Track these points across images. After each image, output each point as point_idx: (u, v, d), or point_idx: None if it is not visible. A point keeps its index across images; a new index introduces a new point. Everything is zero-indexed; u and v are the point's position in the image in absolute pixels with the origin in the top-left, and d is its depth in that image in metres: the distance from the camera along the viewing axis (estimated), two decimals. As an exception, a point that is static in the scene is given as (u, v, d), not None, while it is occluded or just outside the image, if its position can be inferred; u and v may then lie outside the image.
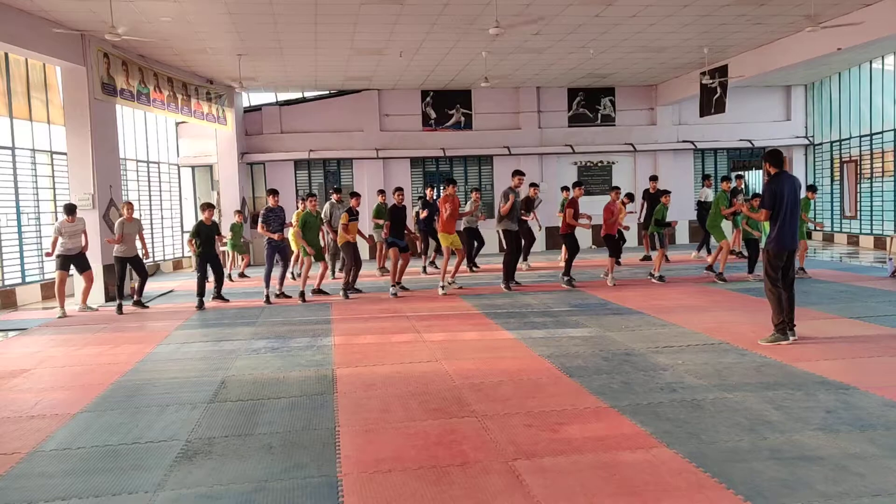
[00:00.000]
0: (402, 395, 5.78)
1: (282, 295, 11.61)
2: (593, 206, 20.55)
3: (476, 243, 14.74)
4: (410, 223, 14.61)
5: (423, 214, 14.27)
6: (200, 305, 10.93)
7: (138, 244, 11.30)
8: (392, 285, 11.48)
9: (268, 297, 11.13)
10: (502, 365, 6.70)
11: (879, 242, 16.89)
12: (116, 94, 13.06)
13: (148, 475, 4.26)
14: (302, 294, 11.30)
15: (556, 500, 3.71)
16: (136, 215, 11.75)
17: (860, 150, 18.19)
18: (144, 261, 11.69)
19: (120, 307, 10.87)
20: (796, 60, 14.33)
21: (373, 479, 4.08)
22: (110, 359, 7.70)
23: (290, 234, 12.57)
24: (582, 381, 5.99)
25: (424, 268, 14.87)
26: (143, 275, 11.38)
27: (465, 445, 4.57)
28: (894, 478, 3.82)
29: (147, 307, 11.35)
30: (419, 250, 15.25)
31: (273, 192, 11.39)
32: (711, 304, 9.65)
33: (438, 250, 14.68)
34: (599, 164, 20.58)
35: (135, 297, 11.43)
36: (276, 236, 11.10)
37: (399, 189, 11.90)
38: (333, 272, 13.70)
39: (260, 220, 11.16)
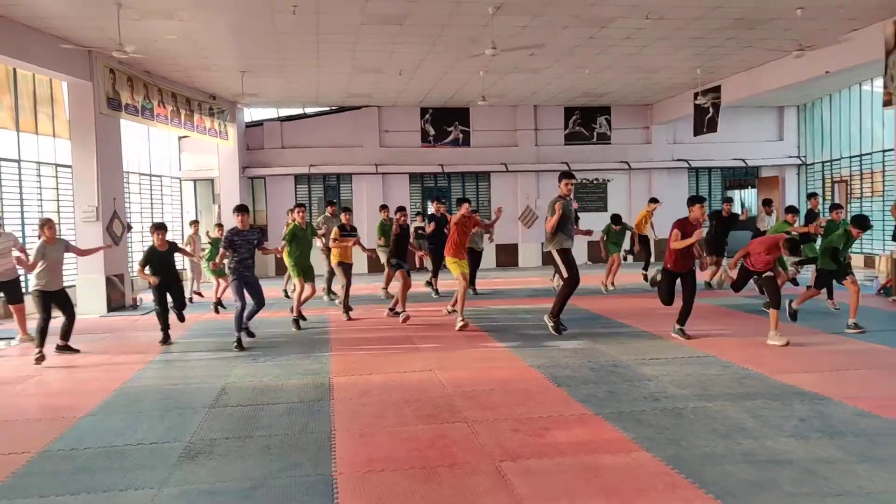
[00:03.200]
0: (396, 402, 6.00)
1: (246, 331, 9.11)
2: (588, 223, 20.91)
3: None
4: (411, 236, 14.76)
5: (430, 229, 13.29)
6: (166, 340, 9.09)
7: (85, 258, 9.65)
8: (400, 311, 10.42)
9: (238, 340, 8.63)
10: (494, 374, 6.93)
11: (869, 261, 17.16)
12: (121, 109, 13.35)
13: (152, 473, 4.48)
14: (296, 321, 10.10)
15: (539, 498, 3.93)
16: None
17: (850, 171, 18.51)
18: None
19: (40, 357, 8.04)
20: (786, 83, 14.68)
21: (366, 477, 4.31)
22: (112, 367, 7.91)
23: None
24: (569, 390, 6.22)
25: (431, 285, 13.82)
26: (70, 314, 8.64)
27: (455, 448, 4.80)
28: (858, 481, 4.05)
29: (77, 351, 8.69)
30: (424, 265, 14.05)
31: (242, 210, 8.79)
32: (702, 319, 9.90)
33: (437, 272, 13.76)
34: (595, 182, 20.87)
35: (60, 341, 8.65)
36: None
37: (401, 209, 11.37)
38: (329, 291, 12.93)
39: (222, 245, 8.76)
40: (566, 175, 9.15)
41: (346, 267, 11.24)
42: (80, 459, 4.81)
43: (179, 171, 19.35)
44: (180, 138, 18.97)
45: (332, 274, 12.53)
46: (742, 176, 21.41)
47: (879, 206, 17.14)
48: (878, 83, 16.93)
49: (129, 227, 13.94)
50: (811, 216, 12.43)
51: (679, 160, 20.80)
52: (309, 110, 20.24)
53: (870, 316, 9.64)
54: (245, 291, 8.76)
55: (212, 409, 5.98)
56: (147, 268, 9.03)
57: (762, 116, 21.00)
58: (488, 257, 18.19)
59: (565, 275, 8.80)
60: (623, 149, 20.77)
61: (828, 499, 3.82)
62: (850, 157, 18.49)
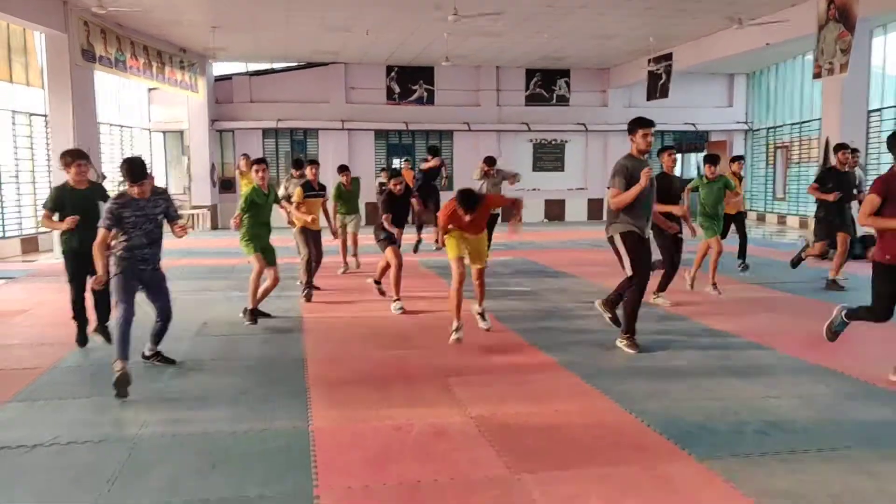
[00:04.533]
0: (360, 334, 6.88)
1: (156, 356, 5.87)
2: (546, 182, 21.88)
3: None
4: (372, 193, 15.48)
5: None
6: (82, 341, 6.36)
7: None
8: (395, 300, 7.97)
9: (120, 379, 4.96)
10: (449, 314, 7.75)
11: (803, 223, 18.42)
12: (95, 61, 13.76)
13: (151, 384, 5.30)
14: (250, 312, 7.33)
15: (476, 401, 4.84)
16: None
17: (791, 137, 19.67)
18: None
19: None
20: (731, 53, 15.64)
21: (333, 388, 5.18)
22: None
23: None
24: (513, 325, 7.15)
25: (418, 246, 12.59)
26: None
27: (409, 367, 5.70)
28: (733, 390, 5.04)
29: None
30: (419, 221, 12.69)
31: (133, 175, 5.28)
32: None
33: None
34: (553, 143, 21.76)
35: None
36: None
37: (395, 174, 8.66)
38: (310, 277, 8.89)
39: (102, 222, 5.25)
40: (643, 123, 5.90)
41: (312, 235, 8.88)
42: (87, 373, 5.61)
43: (149, 123, 19.71)
44: (150, 90, 19.29)
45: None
46: (692, 139, 22.46)
47: (815, 171, 18.33)
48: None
49: (104, 177, 14.43)
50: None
51: (634, 123, 21.72)
52: (277, 65, 20.65)
53: (787, 270, 10.69)
54: (144, 295, 5.56)
55: (196, 337, 6.79)
56: (56, 214, 6.13)
57: (713, 83, 21.98)
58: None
59: (629, 270, 6.05)
60: (581, 111, 21.63)
61: (705, 402, 4.80)
62: (792, 125, 19.64)
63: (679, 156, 17.23)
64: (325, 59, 19.93)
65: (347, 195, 10.62)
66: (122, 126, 17.96)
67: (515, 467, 3.75)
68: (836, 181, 9.08)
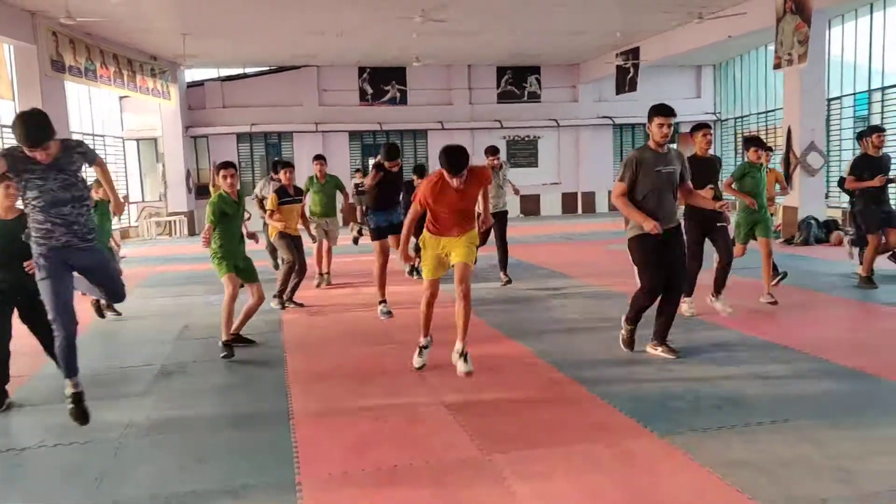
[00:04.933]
0: (338, 331, 7.07)
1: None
2: (520, 178, 22.00)
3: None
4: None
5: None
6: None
7: None
8: (380, 301, 7.43)
9: (74, 402, 4.41)
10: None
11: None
12: (65, 71, 13.77)
13: (136, 386, 5.44)
14: (224, 345, 6.15)
15: (451, 391, 5.03)
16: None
17: (758, 126, 20.10)
18: None
19: None
20: (695, 46, 16.00)
21: (312, 383, 5.36)
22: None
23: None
24: (486, 318, 7.36)
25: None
26: None
27: (386, 362, 5.89)
28: (693, 371, 5.28)
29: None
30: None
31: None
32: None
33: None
34: (526, 139, 22.04)
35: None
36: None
37: (393, 156, 7.35)
38: (285, 294, 8.24)
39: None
40: (659, 110, 5.30)
41: (292, 241, 8.19)
42: (71, 380, 5.73)
43: (122, 131, 19.69)
44: (122, 98, 19.27)
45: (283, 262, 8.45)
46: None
47: (779, 159, 18.76)
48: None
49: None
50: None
51: (604, 117, 22.08)
52: (249, 70, 20.73)
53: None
54: (78, 287, 4.78)
55: (178, 340, 6.93)
56: None
57: (682, 75, 22.37)
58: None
59: (637, 280, 5.78)
60: (552, 107, 21.92)
61: (669, 382, 5.04)
62: (758, 114, 20.07)
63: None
64: (298, 63, 20.03)
65: (320, 190, 9.33)
66: (94, 135, 17.92)
67: (487, 449, 3.95)
68: (870, 167, 8.25)
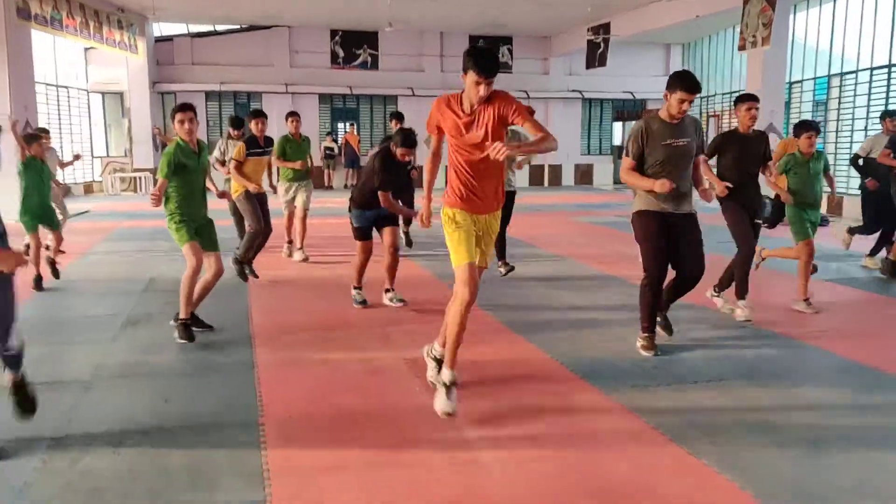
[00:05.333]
0: (301, 290, 7.26)
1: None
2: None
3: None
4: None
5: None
6: None
7: None
8: (355, 287, 6.60)
9: None
10: (398, 274, 7.23)
11: (732, 188, 19.38)
12: (31, 19, 13.53)
13: (103, 334, 5.59)
14: (182, 324, 5.39)
15: (409, 346, 5.28)
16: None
17: (722, 106, 20.53)
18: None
19: None
20: (664, 24, 16.27)
21: (276, 335, 5.56)
22: (43, 263, 8.75)
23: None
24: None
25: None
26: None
27: (350, 317, 6.11)
28: (636, 335, 5.59)
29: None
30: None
31: None
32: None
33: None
34: (496, 109, 22.15)
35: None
36: None
37: (409, 143, 6.27)
38: (244, 263, 7.44)
39: None
40: (685, 85, 4.58)
41: (255, 200, 7.55)
42: (38, 328, 5.81)
43: (87, 83, 19.37)
44: (87, 49, 18.93)
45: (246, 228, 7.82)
46: (630, 108, 23.17)
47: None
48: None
49: (78, 157, 14.25)
50: None
51: (574, 91, 22.31)
52: (219, 27, 20.46)
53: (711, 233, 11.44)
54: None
55: (144, 292, 7.07)
56: None
57: (651, 53, 22.66)
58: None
59: (641, 263, 5.05)
60: (523, 78, 22.07)
61: (614, 344, 5.35)
62: (723, 94, 20.48)
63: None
64: (268, 22, 19.83)
65: (296, 149, 8.58)
66: (58, 86, 17.64)
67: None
68: None
